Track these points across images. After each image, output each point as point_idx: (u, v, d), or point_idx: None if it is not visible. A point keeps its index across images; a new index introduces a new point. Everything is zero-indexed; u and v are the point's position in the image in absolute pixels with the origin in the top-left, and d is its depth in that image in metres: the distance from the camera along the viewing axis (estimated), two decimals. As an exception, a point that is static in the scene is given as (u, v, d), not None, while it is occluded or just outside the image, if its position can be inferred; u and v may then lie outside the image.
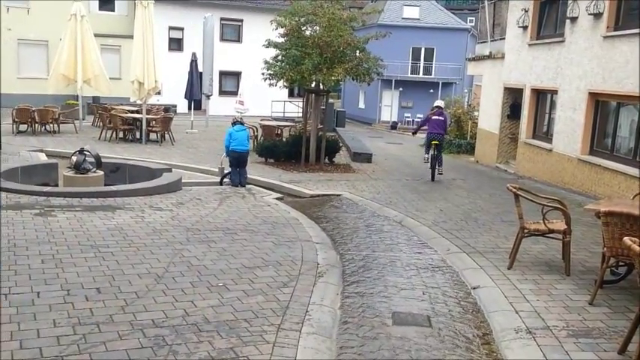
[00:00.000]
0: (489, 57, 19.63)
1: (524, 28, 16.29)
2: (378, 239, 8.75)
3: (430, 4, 43.89)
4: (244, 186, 11.83)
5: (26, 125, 19.25)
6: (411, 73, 41.89)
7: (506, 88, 17.90)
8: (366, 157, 18.10)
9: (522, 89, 16.60)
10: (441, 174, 14.25)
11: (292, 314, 5.28)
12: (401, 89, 41.19)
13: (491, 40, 20.07)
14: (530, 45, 16.08)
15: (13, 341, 4.35)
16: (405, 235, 9.09)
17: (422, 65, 42.25)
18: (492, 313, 5.74)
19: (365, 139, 24.99)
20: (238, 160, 11.96)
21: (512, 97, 17.79)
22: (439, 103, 15.19)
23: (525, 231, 6.91)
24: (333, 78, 15.09)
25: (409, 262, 7.60)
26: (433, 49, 41.80)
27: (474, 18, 47.63)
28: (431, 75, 41.99)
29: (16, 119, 18.97)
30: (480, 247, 8.02)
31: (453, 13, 46.43)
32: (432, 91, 39.73)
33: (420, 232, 9.16)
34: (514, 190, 6.89)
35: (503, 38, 18.36)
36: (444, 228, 9.23)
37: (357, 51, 15.49)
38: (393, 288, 6.50)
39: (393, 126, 38.94)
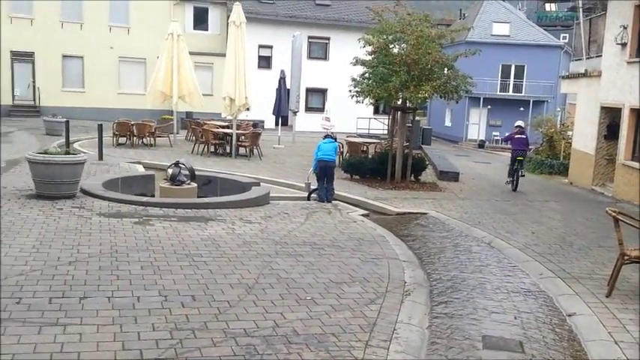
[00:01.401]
0: (585, 75, 18.85)
1: (623, 45, 15.57)
2: (466, 260, 8.57)
3: (521, 20, 42.79)
4: (330, 202, 11.93)
5: (125, 138, 20.35)
6: (500, 91, 40.86)
7: (603, 108, 17.12)
8: (453, 176, 17.79)
9: (621, 109, 15.81)
10: (523, 175, 16.14)
11: (380, 331, 5.27)
12: (489, 107, 40.24)
13: (587, 58, 19.28)
14: (629, 63, 15.34)
15: (116, 342, 4.60)
16: (495, 256, 8.86)
17: (512, 83, 41.13)
18: (590, 343, 5.48)
19: (451, 157, 24.59)
20: (324, 172, 12.05)
21: (610, 116, 16.99)
22: (520, 123, 16.99)
23: (626, 258, 6.56)
24: (420, 95, 15.00)
25: (499, 284, 7.39)
26: (524, 66, 40.62)
27: (567, 34, 45.97)
28: (521, 93, 40.76)
29: (116, 132, 20.10)
30: (576, 273, 7.68)
31: (545, 29, 44.98)
32: (522, 109, 38.53)
33: (511, 254, 8.90)
34: (614, 214, 6.57)
35: (600, 55, 17.61)
36: (536, 251, 8.91)
37: (446, 68, 15.33)
38: (483, 311, 6.34)
39: (481, 145, 38.06)
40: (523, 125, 17.04)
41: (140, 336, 4.73)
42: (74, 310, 5.14)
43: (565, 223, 11.52)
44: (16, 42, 29.04)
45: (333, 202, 12.03)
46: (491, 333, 5.71)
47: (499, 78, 40.81)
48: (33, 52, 29.71)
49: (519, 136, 16.14)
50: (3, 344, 4.38)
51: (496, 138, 39.18)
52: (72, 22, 30.02)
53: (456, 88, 15.20)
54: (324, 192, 12.07)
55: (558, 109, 36.22)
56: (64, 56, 30.29)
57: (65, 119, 17.81)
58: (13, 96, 29.87)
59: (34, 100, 30.05)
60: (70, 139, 16.25)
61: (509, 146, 16.59)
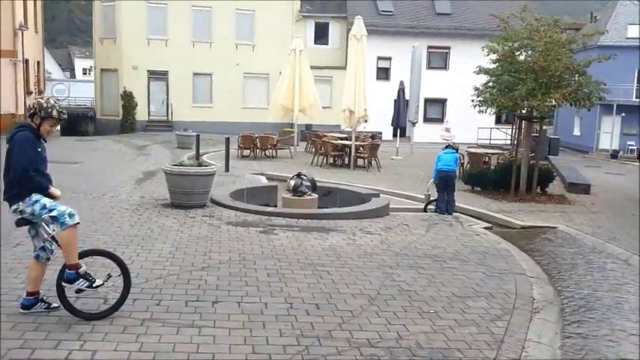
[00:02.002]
0: None
1: None
2: (600, 277, 8.05)
3: (660, 21, 39.58)
4: (451, 214, 11.70)
5: (249, 150, 21.26)
6: (636, 97, 37.97)
7: None
8: (584, 188, 16.79)
9: None
10: None
11: (508, 349, 5.08)
12: (623, 114, 37.48)
13: None
14: None
15: (246, 345, 4.81)
16: (634, 275, 8.23)
17: (649, 89, 38.09)
18: None
19: (580, 168, 23.22)
20: (445, 182, 11.85)
21: None
22: None
23: None
24: (547, 104, 14.35)
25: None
26: (663, 70, 37.50)
27: None
28: (660, 99, 37.65)
29: (240, 145, 21.05)
30: None
31: (689, 29, 41.24)
32: (660, 116, 35.57)
33: (652, 273, 8.24)
34: None
35: None
36: (681, 270, 8.19)
37: (577, 75, 14.55)
38: (621, 332, 5.93)
39: (614, 155, 35.52)
40: None
41: (269, 341, 4.91)
42: (208, 313, 5.43)
43: None
44: (152, 62, 31.38)
45: (454, 214, 11.79)
46: (631, 357, 5.31)
47: (635, 84, 37.96)
48: (167, 71, 31.93)
49: None
50: (145, 342, 4.73)
51: (631, 148, 36.41)
52: (202, 42, 31.94)
53: (589, 95, 14.38)
54: (445, 204, 11.85)
55: None
56: (195, 74, 32.26)
57: (196, 133, 18.94)
58: (149, 112, 32.26)
59: (167, 115, 32.26)
60: (199, 151, 17.26)
61: None
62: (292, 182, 11.75)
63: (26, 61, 27.90)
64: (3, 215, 8.86)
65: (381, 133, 29.16)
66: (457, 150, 12.33)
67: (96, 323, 4.99)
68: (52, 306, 5.17)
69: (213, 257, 7.40)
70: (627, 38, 38.03)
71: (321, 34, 34.09)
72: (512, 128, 21.54)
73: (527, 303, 6.39)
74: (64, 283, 4.98)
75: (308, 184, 11.74)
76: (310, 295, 6.17)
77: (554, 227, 11.41)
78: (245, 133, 21.92)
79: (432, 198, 12.49)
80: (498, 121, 32.98)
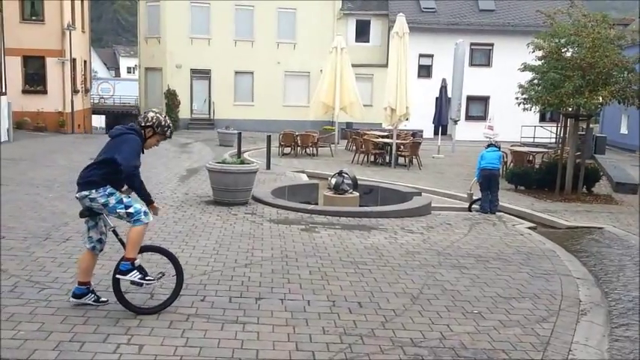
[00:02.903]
0: None
1: None
2: (650, 280, 7.81)
3: None
4: (494, 213, 11.53)
5: (290, 148, 21.38)
6: (688, 94, 36.67)
7: None
8: (631, 188, 16.31)
9: None
10: None
11: (554, 351, 4.99)
12: (674, 112, 36.27)
13: None
14: None
15: (289, 342, 4.85)
16: (685, 278, 7.97)
17: (702, 84, 36.74)
18: None
19: (628, 167, 22.52)
20: (488, 180, 11.65)
21: None
22: None
23: None
24: (595, 102, 13.97)
25: (692, 309, 6.64)
26: None
27: None
28: None
29: (281, 143, 21.19)
30: None
31: None
32: None
33: None
34: None
35: None
36: None
37: (626, 71, 14.14)
38: (673, 337, 5.74)
39: (663, 154, 34.40)
40: None
41: (312, 338, 4.94)
42: (251, 310, 5.50)
43: None
44: (195, 61, 31.88)
45: (498, 213, 11.61)
46: (684, 363, 5.15)
47: (687, 80, 36.66)
48: (210, 70, 32.40)
49: None
50: (191, 337, 4.83)
51: (682, 146, 35.14)
52: (244, 41, 32.29)
53: (638, 92, 13.96)
54: (488, 203, 11.68)
55: None
56: (237, 72, 32.65)
57: (237, 131, 19.16)
58: (192, 110, 32.80)
59: (209, 113, 32.74)
60: (241, 149, 17.44)
61: None
62: (333, 180, 11.78)
63: (74, 61, 28.73)
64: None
65: (422, 132, 28.96)
66: (499, 148, 12.13)
67: (143, 318, 5.11)
68: (100, 299, 5.32)
69: (255, 254, 7.48)
70: (679, 33, 36.69)
71: (362, 32, 34.01)
72: (558, 126, 21.05)
73: (573, 305, 6.27)
74: (118, 275, 5.07)
75: (349, 182, 11.75)
76: (352, 293, 6.19)
77: (600, 228, 11.12)
78: (286, 130, 22.06)
79: (475, 197, 12.34)
80: (542, 119, 32.36)
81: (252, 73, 32.77)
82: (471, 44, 32.56)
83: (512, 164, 17.63)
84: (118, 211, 5.00)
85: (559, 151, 15.86)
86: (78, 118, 30.00)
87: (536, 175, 15.66)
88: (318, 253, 7.69)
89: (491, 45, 33.90)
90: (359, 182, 12.44)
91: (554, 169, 15.10)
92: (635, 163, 27.13)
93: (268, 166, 16.32)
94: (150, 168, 15.04)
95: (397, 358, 4.66)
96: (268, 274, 6.64)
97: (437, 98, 25.00)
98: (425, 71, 33.68)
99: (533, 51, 14.93)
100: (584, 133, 17.03)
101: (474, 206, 12.20)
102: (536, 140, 30.98)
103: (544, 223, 11.78)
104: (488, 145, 12.07)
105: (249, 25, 32.36)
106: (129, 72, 68.85)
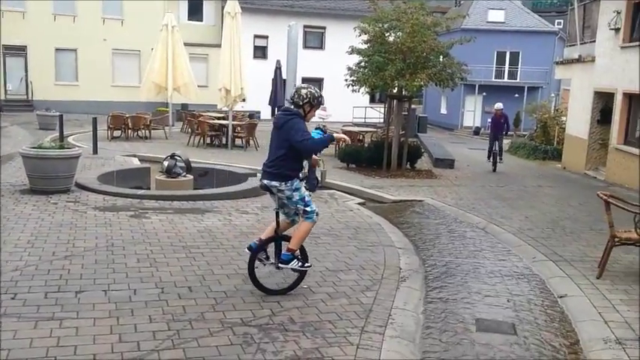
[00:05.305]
0: (579, 60, 18.84)
1: (617, 30, 15.58)
2: (460, 245, 8.62)
3: (516, 6, 42.63)
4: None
5: (120, 131, 20.31)
6: (496, 78, 40.79)
7: (596, 93, 17.15)
8: (449, 163, 17.85)
9: (614, 93, 15.85)
10: (502, 161, 17.44)
11: (376, 317, 5.31)
12: (484, 94, 40.17)
13: (581, 43, 19.25)
14: (622, 48, 15.35)
15: (112, 335, 4.62)
16: (489, 242, 8.91)
17: (507, 69, 41.07)
18: (580, 323, 5.57)
19: (447, 144, 24.61)
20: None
21: (603, 101, 17.02)
22: (498, 105, 17.57)
23: (616, 240, 6.66)
24: (415, 84, 14.98)
25: (493, 269, 7.45)
26: (519, 52, 40.54)
27: (562, 20, 45.87)
28: (516, 79, 40.71)
29: (110, 125, 20.02)
30: (568, 256, 7.76)
31: (540, 15, 44.83)
32: (517, 95, 38.50)
33: (505, 239, 8.96)
34: (605, 197, 6.65)
35: (594, 41, 17.60)
36: (529, 236, 8.97)
37: (441, 56, 15.32)
38: (477, 295, 6.40)
39: (476, 132, 38.02)
40: (501, 107, 17.52)
41: (137, 328, 4.75)
42: (70, 305, 5.15)
43: (558, 207, 11.58)
44: (8, 36, 28.88)
45: (330, 191, 12.03)
46: (485, 316, 5.77)
47: (494, 65, 40.76)
48: (25, 46, 29.62)
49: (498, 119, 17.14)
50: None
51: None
52: (65, 15, 29.90)
53: (452, 75, 15.21)
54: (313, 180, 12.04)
55: (552, 94, 36.22)
56: (57, 49, 30.21)
57: (59, 113, 17.79)
58: (5, 90, 29.76)
59: (27, 94, 29.98)
60: (65, 133, 16.24)
61: None
62: (166, 163, 11.39)
63: None
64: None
65: (259, 113, 29.08)
66: (325, 132, 12.50)
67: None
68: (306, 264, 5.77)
69: (77, 245, 7.02)
70: (488, 22, 40.62)
71: (195, 11, 33.14)
72: (385, 107, 22.29)
73: (394, 273, 6.71)
74: (281, 265, 5.59)
75: (182, 164, 11.44)
76: (183, 278, 6.05)
77: (421, 200, 12.01)
78: (115, 112, 20.91)
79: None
80: (372, 100, 34.03)
81: (75, 50, 30.49)
82: (305, 27, 33.23)
83: (344, 144, 18.35)
84: (297, 206, 5.53)
85: (386, 130, 16.81)
86: None
87: (366, 154, 16.48)
88: (148, 240, 7.41)
89: (324, 28, 34.88)
90: (193, 165, 12.18)
91: (382, 147, 16.00)
92: (452, 141, 29.68)
93: (95, 151, 15.37)
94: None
95: (227, 339, 4.65)
96: (91, 265, 6.26)
97: (272, 79, 25.17)
98: (260, 52, 33.79)
99: (360, 35, 15.61)
100: (407, 113, 18.22)
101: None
102: (367, 120, 32.64)
103: (372, 198, 12.44)
104: (317, 128, 12.39)
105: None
106: None
